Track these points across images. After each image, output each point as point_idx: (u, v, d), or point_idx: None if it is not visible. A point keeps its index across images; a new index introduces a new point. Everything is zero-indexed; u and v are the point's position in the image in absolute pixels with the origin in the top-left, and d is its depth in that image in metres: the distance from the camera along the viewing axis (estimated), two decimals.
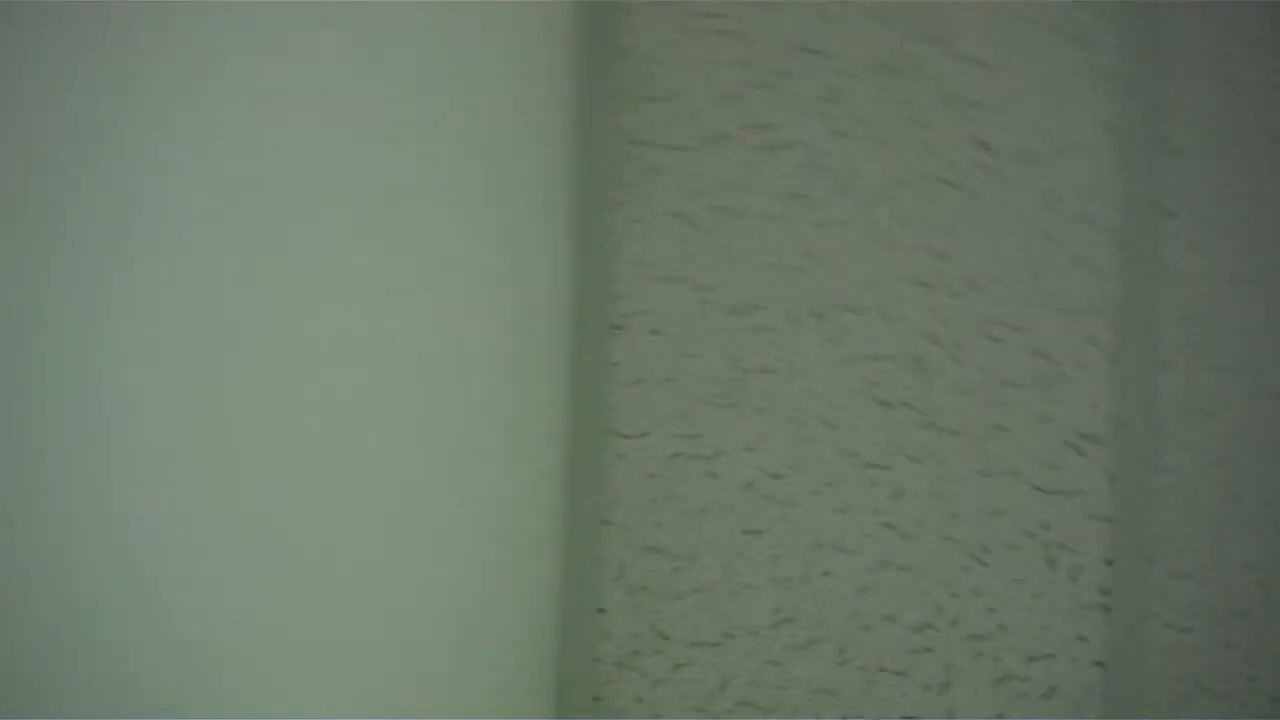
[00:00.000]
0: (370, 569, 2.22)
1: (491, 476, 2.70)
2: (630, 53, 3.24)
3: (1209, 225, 2.94)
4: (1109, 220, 2.97)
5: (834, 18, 3.11)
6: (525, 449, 2.87)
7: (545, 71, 2.93)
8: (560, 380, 3.04)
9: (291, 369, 1.89)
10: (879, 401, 3.02)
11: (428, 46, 2.31)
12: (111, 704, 1.54)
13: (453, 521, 2.52)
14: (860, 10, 3.07)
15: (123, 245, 1.49)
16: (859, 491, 3.04)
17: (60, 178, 1.43)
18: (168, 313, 1.59)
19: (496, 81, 2.67)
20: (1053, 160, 2.98)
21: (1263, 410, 2.93)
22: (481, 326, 2.62)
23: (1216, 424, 2.94)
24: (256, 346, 1.79)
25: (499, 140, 2.69)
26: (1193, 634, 2.95)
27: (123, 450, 1.52)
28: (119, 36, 1.52)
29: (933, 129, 3.06)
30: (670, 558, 3.10)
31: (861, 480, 3.03)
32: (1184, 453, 2.95)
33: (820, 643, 3.06)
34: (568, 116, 3.06)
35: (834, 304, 3.05)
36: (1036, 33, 3.00)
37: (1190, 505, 2.95)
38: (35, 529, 1.41)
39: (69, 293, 1.45)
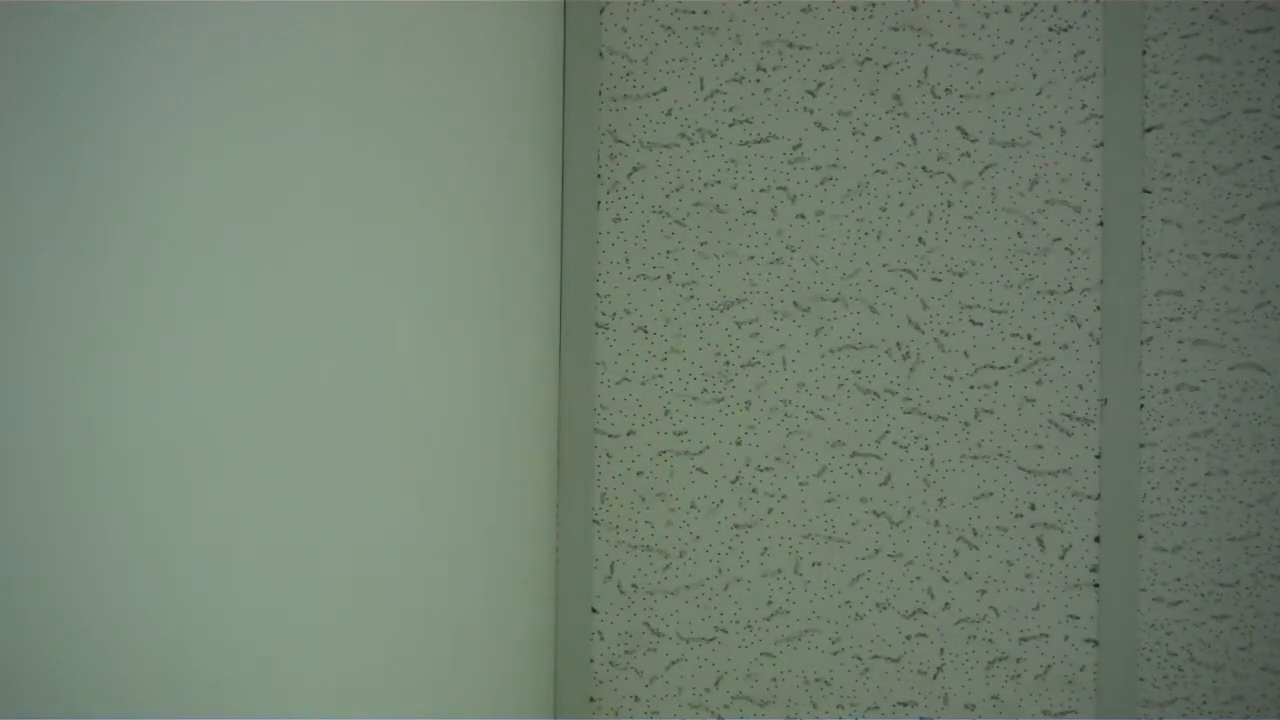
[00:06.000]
0: (365, 576, 2.23)
1: (482, 479, 2.71)
2: (611, 51, 3.25)
3: (1187, 203, 2.97)
4: (1089, 201, 2.99)
5: (814, 11, 3.13)
6: (514, 451, 2.87)
7: (532, 73, 2.95)
8: (546, 381, 3.05)
9: (281, 370, 1.89)
10: (865, 390, 3.04)
11: (419, 50, 2.32)
12: (115, 702, 1.54)
13: (445, 525, 2.53)
14: (840, 3, 3.09)
15: (120, 246, 1.50)
16: (847, 481, 3.05)
17: (55, 177, 1.44)
18: (166, 313, 1.60)
19: (486, 83, 2.69)
20: (1033, 145, 3.00)
21: (1244, 383, 2.95)
22: (469, 329, 2.63)
23: (1199, 398, 2.96)
24: (248, 347, 1.79)
25: (487, 142, 2.70)
26: (1183, 607, 2.97)
27: (120, 452, 1.53)
28: (116, 36, 1.53)
29: (914, 119, 3.08)
30: (661, 555, 3.10)
31: (849, 469, 3.05)
32: (1169, 428, 2.96)
33: (813, 633, 3.07)
34: (551, 116, 3.08)
35: (817, 295, 3.06)
36: (1018, 21, 3.02)
37: (1176, 479, 2.97)
38: (36, 530, 1.42)
39: (64, 293, 1.46)
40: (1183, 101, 2.96)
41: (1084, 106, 2.99)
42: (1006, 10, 3.02)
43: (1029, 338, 2.99)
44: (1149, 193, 2.97)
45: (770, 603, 3.05)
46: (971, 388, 3.00)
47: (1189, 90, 2.96)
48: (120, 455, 1.61)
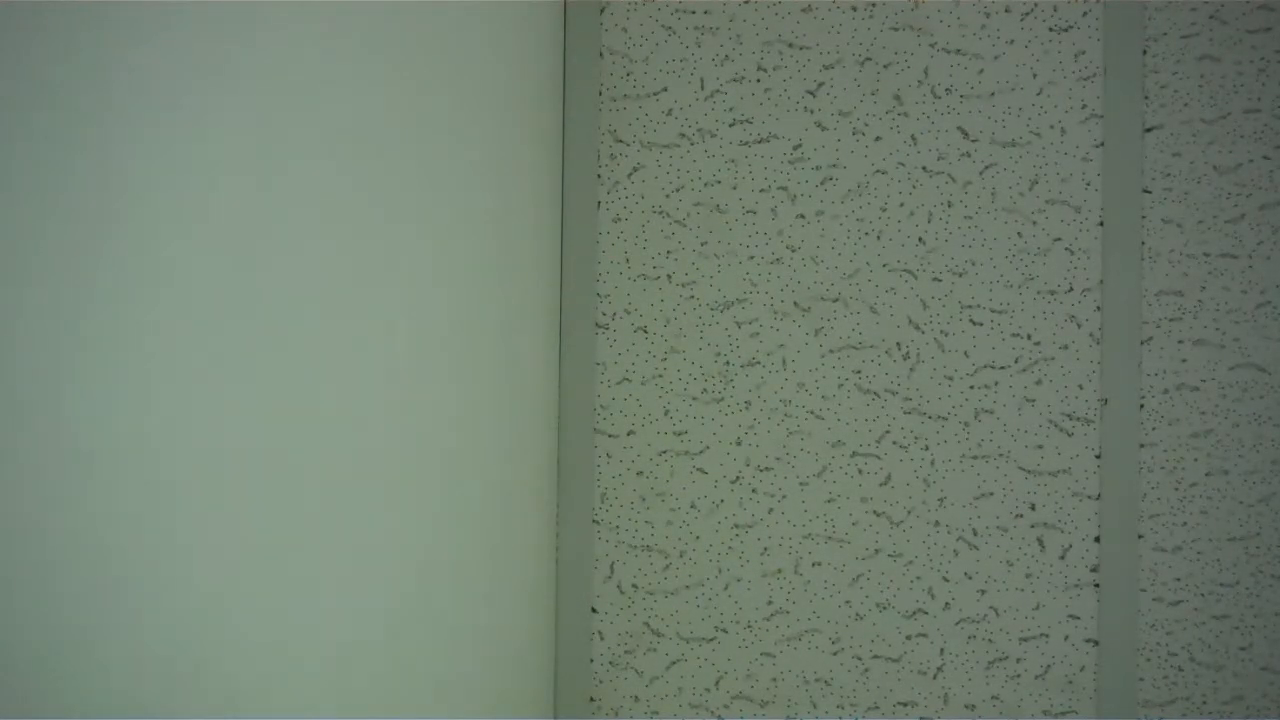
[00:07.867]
0: (365, 577, 2.22)
1: (481, 479, 2.71)
2: (611, 52, 3.26)
3: (1187, 203, 2.97)
4: (1089, 201, 2.99)
5: (814, 11, 3.14)
6: (514, 451, 2.87)
7: (532, 73, 2.95)
8: (546, 381, 3.06)
9: (280, 369, 1.89)
10: (865, 390, 3.04)
11: (419, 50, 2.32)
12: (115, 702, 1.54)
13: (445, 524, 2.53)
14: (840, 3, 3.09)
15: (120, 246, 1.50)
16: (847, 481, 3.05)
17: (55, 177, 1.44)
18: (166, 314, 1.59)
19: (486, 83, 2.69)
20: (1033, 145, 3.00)
21: (1244, 383, 2.95)
22: (468, 330, 2.63)
23: (1199, 398, 2.96)
24: (247, 346, 1.79)
25: (487, 142, 2.70)
26: (1183, 607, 2.97)
27: (119, 454, 1.52)
28: (115, 36, 1.52)
29: (914, 119, 3.09)
30: (661, 555, 3.11)
31: (849, 469, 3.05)
32: (1169, 428, 2.97)
33: (814, 633, 3.07)
34: (551, 116, 3.08)
35: (817, 295, 3.06)
36: (1018, 21, 3.02)
37: (1176, 479, 2.97)
38: (36, 531, 1.42)
39: (63, 293, 1.45)
40: (1183, 101, 2.96)
41: (1084, 106, 2.99)
42: (1006, 10, 3.03)
43: (1029, 338, 2.99)
44: (1149, 193, 2.97)
45: (770, 603, 3.05)
46: (971, 388, 3.00)
47: (1189, 90, 2.96)
48: (119, 457, 1.61)
